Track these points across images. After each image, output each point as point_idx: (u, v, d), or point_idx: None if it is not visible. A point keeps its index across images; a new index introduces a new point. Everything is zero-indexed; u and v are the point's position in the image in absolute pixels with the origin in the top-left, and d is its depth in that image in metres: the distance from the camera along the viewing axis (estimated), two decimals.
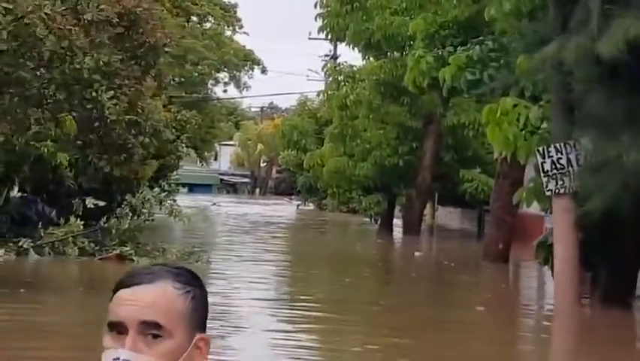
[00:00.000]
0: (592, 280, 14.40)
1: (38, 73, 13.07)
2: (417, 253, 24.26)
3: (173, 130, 25.54)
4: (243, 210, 46.84)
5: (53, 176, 22.03)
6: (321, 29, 30.22)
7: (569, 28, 12.26)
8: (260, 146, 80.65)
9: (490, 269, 20.89)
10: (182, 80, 40.94)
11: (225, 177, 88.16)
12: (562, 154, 13.34)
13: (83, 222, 18.27)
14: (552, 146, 13.39)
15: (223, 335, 9.99)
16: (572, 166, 13.29)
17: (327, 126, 35.79)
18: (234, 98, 71.07)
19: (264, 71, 50.12)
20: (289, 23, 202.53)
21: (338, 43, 39.97)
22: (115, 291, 1.65)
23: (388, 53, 28.60)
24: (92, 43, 13.07)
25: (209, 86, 46.56)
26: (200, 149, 45.42)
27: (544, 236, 15.11)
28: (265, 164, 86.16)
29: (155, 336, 1.60)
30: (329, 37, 31.80)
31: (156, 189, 20.41)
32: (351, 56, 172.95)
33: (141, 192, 19.87)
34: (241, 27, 46.65)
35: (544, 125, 13.98)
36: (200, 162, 58.11)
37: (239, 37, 52.52)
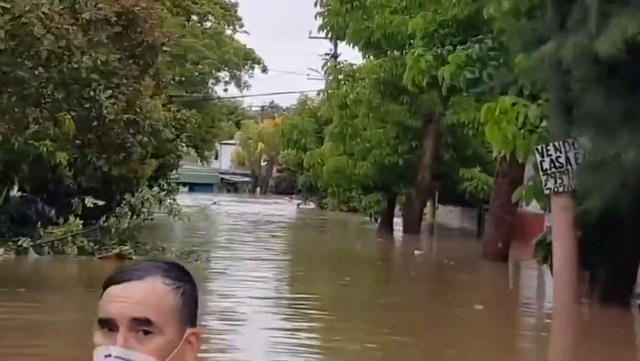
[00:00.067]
0: (591, 278, 14.40)
1: (36, 72, 13.06)
2: (417, 252, 24.28)
3: (173, 129, 25.52)
4: (244, 209, 46.84)
5: (52, 175, 22.03)
6: (321, 28, 30.23)
7: (567, 26, 12.25)
8: (260, 145, 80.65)
9: (489, 268, 20.89)
10: (183, 79, 40.94)
11: (226, 176, 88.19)
12: (560, 153, 13.34)
13: (82, 222, 18.27)
14: (551, 144, 13.39)
15: (223, 333, 9.99)
16: (570, 165, 13.30)
17: (327, 125, 35.82)
18: (235, 98, 71.14)
19: (264, 70, 50.22)
20: (289, 22, 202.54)
21: (338, 42, 39.93)
22: (105, 287, 1.65)
23: (388, 52, 28.61)
24: (90, 43, 13.07)
25: (210, 85, 46.63)
26: (201, 148, 45.42)
27: (544, 235, 15.10)
28: (266, 163, 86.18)
29: (146, 332, 1.60)
30: (329, 36, 31.78)
31: (155, 189, 20.39)
32: (351, 55, 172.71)
33: (140, 192, 19.87)
34: (241, 26, 46.77)
35: (543, 123, 13.98)
36: (201, 161, 58.10)
37: (239, 37, 52.41)
